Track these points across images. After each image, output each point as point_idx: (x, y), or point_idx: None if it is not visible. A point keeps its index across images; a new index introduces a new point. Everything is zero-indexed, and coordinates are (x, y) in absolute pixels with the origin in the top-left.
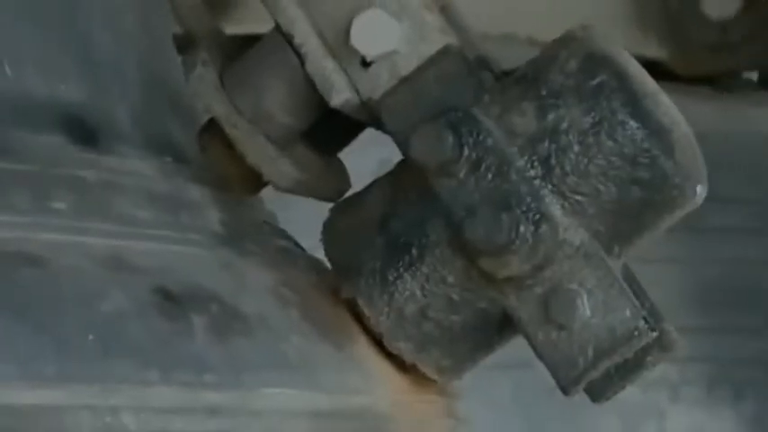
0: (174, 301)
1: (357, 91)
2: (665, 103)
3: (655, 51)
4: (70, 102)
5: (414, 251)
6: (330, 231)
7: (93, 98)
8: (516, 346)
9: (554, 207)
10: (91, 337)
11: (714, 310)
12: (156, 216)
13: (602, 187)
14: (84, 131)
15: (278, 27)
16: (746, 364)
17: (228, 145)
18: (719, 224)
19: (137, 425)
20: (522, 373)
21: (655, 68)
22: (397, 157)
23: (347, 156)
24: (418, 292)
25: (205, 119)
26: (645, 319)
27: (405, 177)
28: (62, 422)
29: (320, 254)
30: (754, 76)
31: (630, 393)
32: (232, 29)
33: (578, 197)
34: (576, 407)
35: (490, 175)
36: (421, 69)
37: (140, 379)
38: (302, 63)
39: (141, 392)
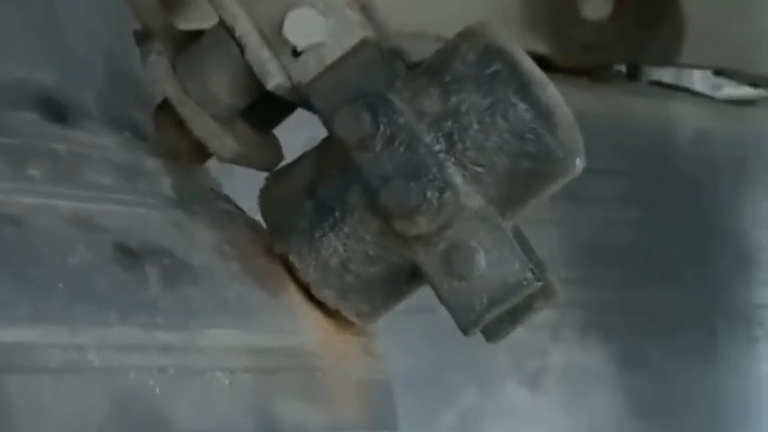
0: (131, 255)
1: (289, 77)
2: (549, 89)
3: (540, 47)
4: (45, 85)
5: (337, 214)
6: (265, 197)
7: (65, 83)
8: (423, 295)
9: (456, 177)
10: (61, 285)
11: (589, 264)
12: (117, 183)
13: (496, 160)
14: (56, 110)
15: (221, 22)
16: (614, 310)
17: (179, 122)
18: (594, 192)
19: (99, 360)
20: (429, 317)
21: (540, 62)
22: (322, 134)
23: (280, 132)
24: (340, 249)
25: (159, 100)
26: (531, 271)
27: (329, 151)
28: (35, 358)
29: (257, 216)
30: (623, 68)
31: (519, 334)
32: (183, 25)
33: (477, 168)
34: (474, 347)
35: (402, 149)
36: (343, 59)
37: (102, 321)
38: (242, 52)
39: (103, 332)
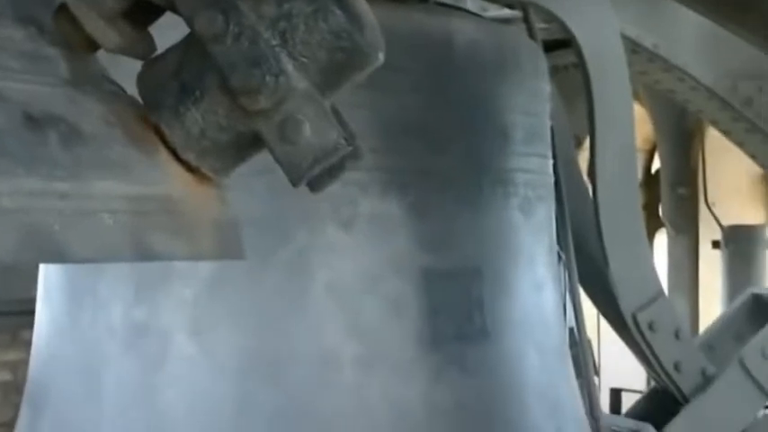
0: (35, 122)
1: None
2: (360, 1)
3: None
4: None
5: (197, 93)
6: (142, 79)
7: None
8: (265, 160)
9: (288, 65)
10: None
11: (389, 138)
12: (23, 66)
13: (318, 53)
14: None
15: None
16: (408, 172)
17: (74, 20)
18: (393, 84)
19: (11, 203)
20: (270, 177)
21: None
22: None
23: (153, 31)
24: (200, 120)
25: (59, 3)
26: (345, 138)
27: (192, 44)
28: None
29: (137, 95)
30: None
31: (337, 189)
32: None
33: (303, 59)
34: (303, 198)
35: (246, 44)
36: None
37: (13, 172)
38: None
39: (14, 182)
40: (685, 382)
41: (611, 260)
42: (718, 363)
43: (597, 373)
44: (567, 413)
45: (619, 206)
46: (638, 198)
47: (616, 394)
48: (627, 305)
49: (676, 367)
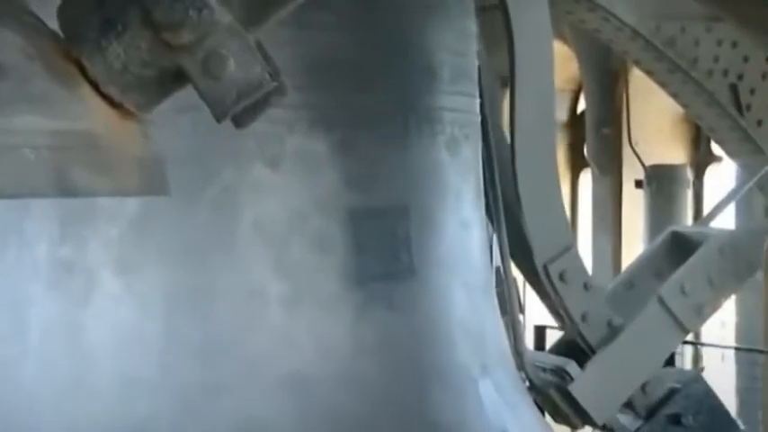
0: None
1: None
2: None
3: None
4: None
5: (119, 27)
6: (63, 12)
7: None
8: (189, 97)
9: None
10: None
11: (316, 75)
12: None
13: None
14: None
15: None
16: (335, 110)
17: None
18: (320, 21)
19: None
20: (195, 114)
21: None
22: None
23: None
24: (122, 55)
25: None
26: (269, 74)
27: None
28: None
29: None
30: None
31: (263, 126)
32: None
33: None
34: (230, 136)
35: None
36: None
37: None
38: None
39: None
40: (592, 333)
41: (525, 208)
42: (639, 299)
43: (522, 310)
44: (492, 350)
45: (535, 153)
46: (555, 145)
47: (540, 331)
48: (539, 255)
49: (584, 318)
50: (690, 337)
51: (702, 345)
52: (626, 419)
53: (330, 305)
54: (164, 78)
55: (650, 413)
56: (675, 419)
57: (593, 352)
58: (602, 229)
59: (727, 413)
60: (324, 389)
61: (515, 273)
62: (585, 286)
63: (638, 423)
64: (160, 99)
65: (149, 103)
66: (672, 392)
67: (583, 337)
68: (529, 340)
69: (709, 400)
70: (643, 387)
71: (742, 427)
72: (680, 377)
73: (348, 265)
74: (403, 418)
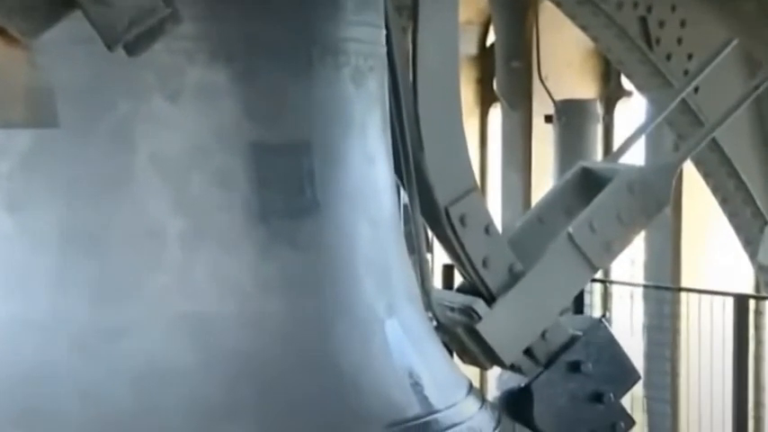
0: None
1: None
2: None
3: None
4: None
5: None
6: None
7: None
8: (84, 29)
9: None
10: None
11: (216, 2)
12: None
13: None
14: None
15: None
16: (235, 41)
17: None
18: None
19: None
20: (89, 46)
21: None
22: None
23: None
24: None
25: None
26: (163, 0)
27: None
28: None
29: None
30: None
31: (162, 57)
32: None
33: None
34: (127, 67)
35: None
36: None
37: None
38: None
39: None
40: (492, 279)
41: (427, 150)
42: (548, 237)
43: (430, 249)
44: (399, 288)
45: (438, 92)
46: (459, 84)
47: (449, 270)
48: (441, 197)
49: (484, 263)
50: (599, 275)
51: (612, 283)
52: (526, 366)
53: (232, 243)
54: (50, 3)
55: (550, 360)
56: (575, 367)
57: (494, 298)
58: (511, 165)
59: (627, 361)
60: (225, 329)
61: None
62: (487, 230)
63: (538, 370)
64: (47, 25)
65: (35, 29)
66: (573, 339)
67: (483, 283)
68: (437, 279)
69: (610, 347)
70: (543, 333)
71: (641, 373)
72: (581, 324)
73: (250, 201)
74: (306, 358)
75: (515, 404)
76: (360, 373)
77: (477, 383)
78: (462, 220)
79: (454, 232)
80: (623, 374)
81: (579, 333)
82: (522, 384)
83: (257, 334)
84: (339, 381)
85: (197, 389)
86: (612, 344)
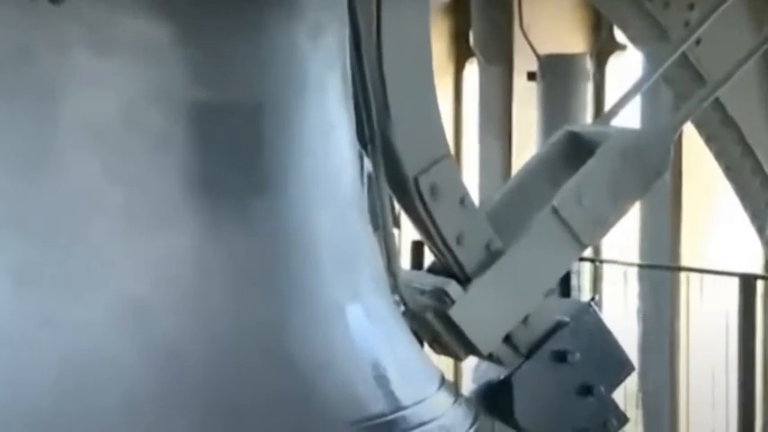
0: None
1: None
2: None
3: None
4: None
5: None
6: None
7: None
8: None
9: None
10: None
11: None
12: None
13: None
14: None
15: None
16: None
17: None
18: None
19: None
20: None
21: None
22: None
23: None
24: None
25: None
26: None
27: None
28: None
29: None
30: None
31: (88, 7)
32: None
33: None
34: (53, 21)
35: None
36: None
37: None
38: None
39: None
40: (467, 257)
41: (393, 113)
42: (532, 208)
43: (398, 224)
44: (362, 268)
45: (406, 50)
46: (430, 41)
47: (418, 248)
48: (409, 166)
49: (459, 240)
50: (588, 253)
51: (602, 262)
52: (505, 356)
53: (171, 218)
54: None
55: (532, 349)
56: (561, 357)
57: (469, 279)
58: (490, 128)
59: (620, 350)
60: (163, 318)
61: None
62: (461, 202)
63: (519, 360)
64: None
65: None
66: (558, 326)
67: (457, 262)
68: (405, 258)
69: (600, 335)
70: (525, 319)
71: (635, 364)
72: (568, 309)
73: (192, 171)
74: (259, 353)
75: (494, 399)
76: (318, 366)
77: (450, 376)
78: (433, 191)
79: (424, 205)
80: (615, 365)
81: (566, 319)
82: (502, 376)
83: (199, 326)
84: (295, 377)
85: (130, 382)
86: (603, 331)
